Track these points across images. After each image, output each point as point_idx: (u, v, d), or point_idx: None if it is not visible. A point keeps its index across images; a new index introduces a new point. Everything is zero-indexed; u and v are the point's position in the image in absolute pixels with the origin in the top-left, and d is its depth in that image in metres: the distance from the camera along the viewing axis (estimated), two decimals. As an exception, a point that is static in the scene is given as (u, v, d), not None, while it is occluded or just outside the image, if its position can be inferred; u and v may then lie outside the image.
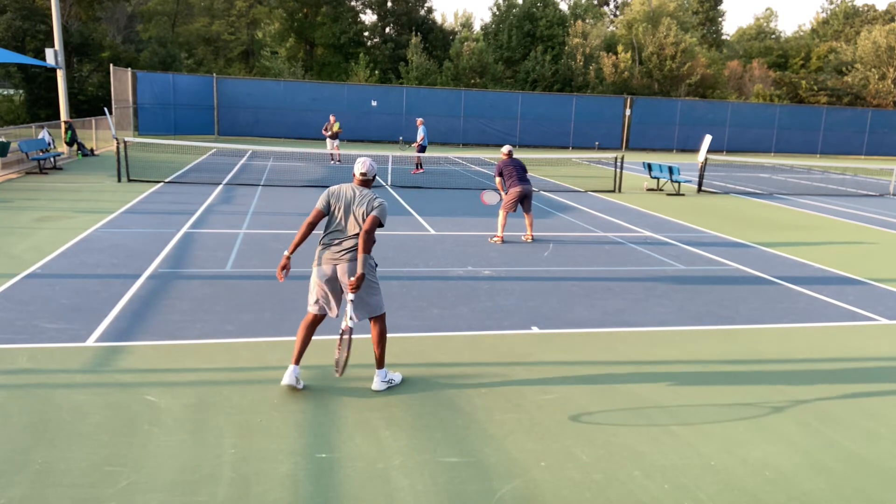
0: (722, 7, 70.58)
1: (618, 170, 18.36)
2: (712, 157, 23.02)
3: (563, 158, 27.61)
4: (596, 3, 57.90)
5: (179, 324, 6.37)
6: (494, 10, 49.31)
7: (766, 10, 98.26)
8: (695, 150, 27.85)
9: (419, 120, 21.77)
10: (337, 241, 5.00)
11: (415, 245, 10.35)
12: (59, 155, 19.30)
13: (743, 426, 4.79)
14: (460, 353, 5.99)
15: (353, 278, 4.85)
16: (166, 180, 16.46)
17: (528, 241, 10.89)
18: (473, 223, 12.44)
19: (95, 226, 10.71)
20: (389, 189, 16.69)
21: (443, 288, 8.00)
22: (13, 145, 17.01)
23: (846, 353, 6.42)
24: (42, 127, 19.79)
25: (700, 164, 19.22)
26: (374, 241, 5.00)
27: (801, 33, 67.50)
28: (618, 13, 62.32)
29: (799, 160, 32.51)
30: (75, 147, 21.75)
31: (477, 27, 54.64)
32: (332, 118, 22.57)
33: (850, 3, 63.83)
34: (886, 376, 5.86)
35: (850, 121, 39.69)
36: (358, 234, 4.93)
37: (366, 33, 50.74)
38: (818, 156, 38.39)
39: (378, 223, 4.97)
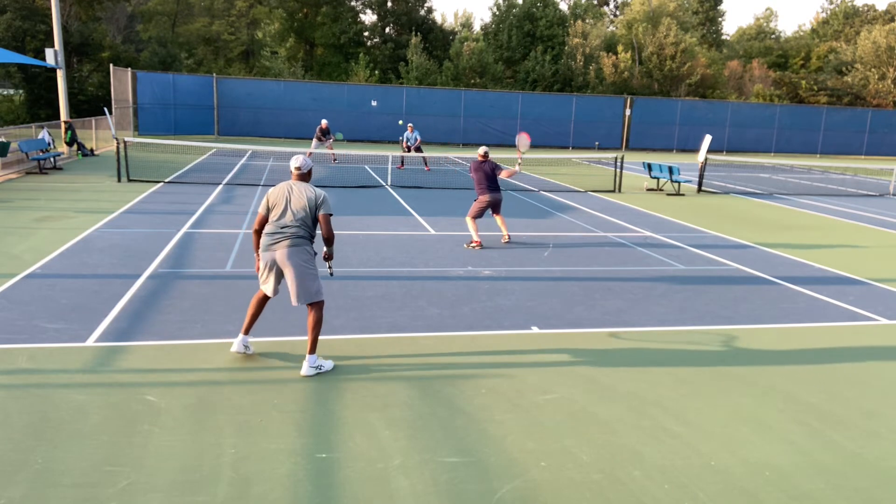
0: (722, 7, 70.61)
1: (618, 170, 18.36)
2: (712, 157, 23.03)
3: (563, 158, 27.61)
4: (596, 3, 57.91)
5: (179, 324, 6.37)
6: (494, 10, 49.34)
7: (766, 10, 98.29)
8: (695, 150, 27.85)
9: (410, 126, 22.40)
10: (277, 232, 5.39)
11: (415, 245, 10.35)
12: (59, 155, 19.30)
13: (743, 426, 4.79)
14: (460, 353, 5.99)
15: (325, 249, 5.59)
16: (166, 180, 16.46)
17: (507, 241, 10.76)
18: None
19: (95, 226, 10.71)
20: (389, 189, 16.69)
21: (443, 288, 8.00)
22: (13, 145, 17.01)
23: (846, 353, 6.43)
24: (42, 127, 19.78)
25: (700, 164, 19.22)
26: (332, 234, 5.54)
27: (801, 33, 67.50)
28: (618, 13, 62.34)
29: (799, 160, 32.51)
30: (75, 147, 21.75)
31: (477, 27, 54.69)
32: (323, 123, 22.50)
33: (850, 3, 63.83)
34: (886, 376, 5.86)
35: (850, 121, 39.69)
36: (296, 225, 5.37)
37: (366, 33, 50.74)
38: (818, 156, 38.39)
39: (329, 217, 5.50)
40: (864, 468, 4.29)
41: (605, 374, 5.65)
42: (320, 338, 5.83)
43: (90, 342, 5.81)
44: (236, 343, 5.69)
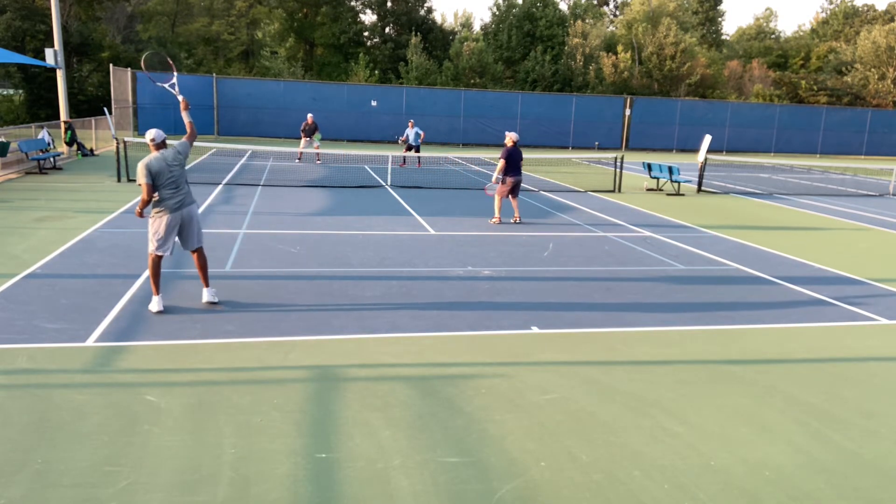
0: (722, 7, 70.63)
1: (618, 170, 18.36)
2: (712, 157, 23.03)
3: (563, 158, 27.61)
4: (596, 3, 57.92)
5: (179, 324, 6.37)
6: (494, 10, 49.37)
7: (766, 10, 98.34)
8: (694, 150, 27.86)
9: (411, 122, 22.62)
10: (175, 196, 6.49)
11: (415, 245, 10.35)
12: (58, 155, 19.30)
13: (743, 426, 4.79)
14: (460, 353, 5.99)
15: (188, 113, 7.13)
16: (166, 180, 16.43)
17: (517, 221, 12.33)
18: (473, 223, 12.43)
19: (95, 226, 10.70)
20: (389, 189, 16.70)
21: (443, 288, 8.00)
22: (13, 145, 17.00)
23: (846, 353, 6.43)
24: (42, 127, 19.78)
25: (700, 164, 19.22)
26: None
27: (801, 33, 67.53)
28: (618, 13, 62.35)
29: (799, 160, 32.52)
30: (75, 147, 21.74)
31: (477, 27, 54.70)
32: (309, 118, 22.19)
33: (849, 3, 63.85)
34: (886, 376, 5.86)
35: (849, 121, 39.69)
36: (187, 185, 6.64)
37: (366, 33, 50.75)
38: (818, 156, 38.40)
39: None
40: (863, 468, 4.29)
41: (605, 374, 5.64)
42: (321, 337, 5.85)
43: (90, 342, 5.81)
44: (155, 303, 6.65)
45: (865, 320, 7.46)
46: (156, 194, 6.42)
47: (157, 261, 6.64)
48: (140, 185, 6.37)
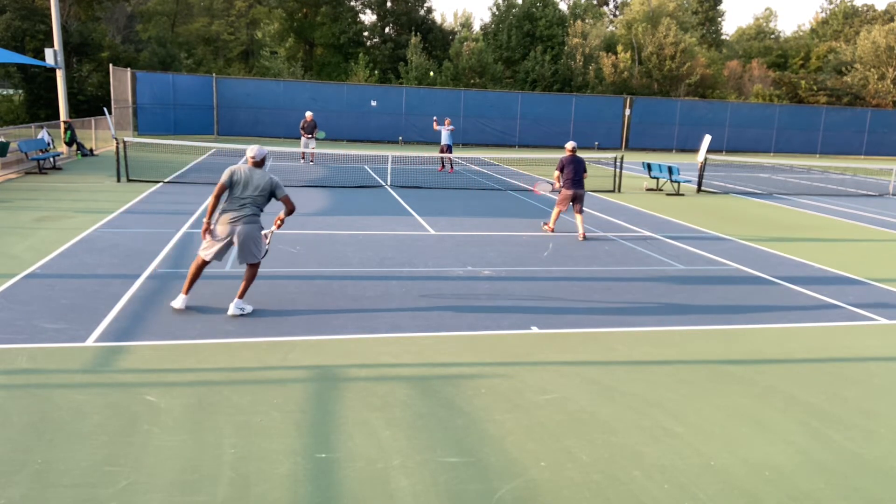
0: (722, 7, 70.64)
1: (617, 170, 18.36)
2: (712, 157, 23.03)
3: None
4: (595, 3, 57.91)
5: (179, 324, 6.37)
6: (494, 10, 49.33)
7: (766, 10, 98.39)
8: (694, 150, 27.86)
9: (448, 120, 21.22)
10: (236, 209, 6.47)
11: (415, 245, 10.34)
12: (58, 155, 19.28)
13: (743, 426, 4.79)
14: (460, 353, 5.99)
15: (277, 219, 6.79)
16: (166, 180, 16.45)
17: (581, 239, 11.17)
18: (473, 223, 12.44)
19: (95, 226, 10.70)
20: (389, 189, 16.69)
21: (443, 288, 8.00)
22: (13, 145, 16.98)
23: (846, 353, 6.43)
24: (41, 127, 19.75)
25: (699, 164, 19.22)
26: (294, 206, 6.72)
27: (801, 33, 67.54)
28: (617, 13, 62.35)
29: (798, 160, 32.52)
30: (75, 147, 21.73)
31: (476, 27, 54.67)
32: (308, 115, 21.68)
33: (849, 3, 63.84)
34: (886, 376, 5.86)
35: (849, 121, 39.68)
36: (252, 205, 6.51)
37: (365, 33, 50.73)
38: (818, 156, 38.39)
39: (289, 198, 6.66)
40: (863, 468, 4.29)
41: (605, 374, 5.64)
42: (320, 338, 5.89)
43: (90, 342, 5.81)
44: (179, 301, 6.71)
45: (865, 320, 7.46)
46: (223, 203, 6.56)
47: (199, 262, 6.70)
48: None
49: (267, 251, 6.92)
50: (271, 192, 6.58)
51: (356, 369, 5.49)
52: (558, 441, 4.46)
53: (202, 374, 5.29)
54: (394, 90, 35.71)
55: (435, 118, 22.63)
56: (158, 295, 7.24)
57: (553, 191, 11.56)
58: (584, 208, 11.48)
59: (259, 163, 6.65)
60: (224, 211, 6.52)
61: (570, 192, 11.20)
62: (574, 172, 11.16)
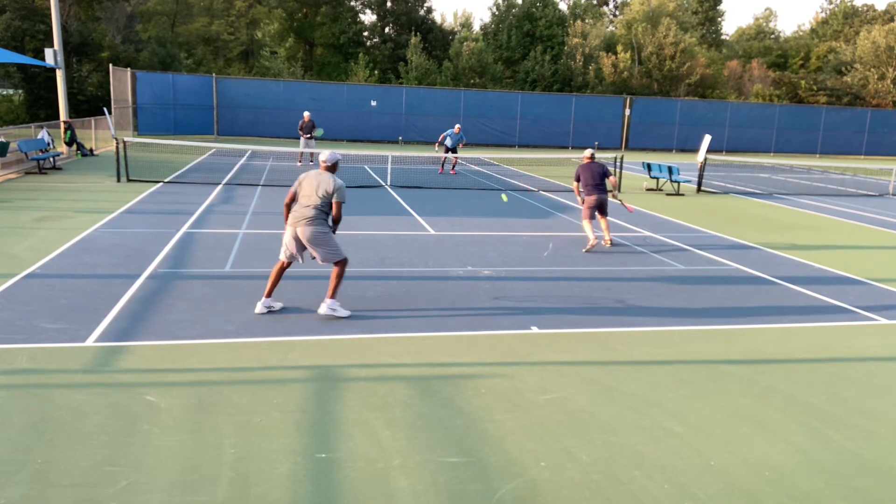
0: (721, 7, 70.64)
1: (617, 170, 18.36)
2: (712, 157, 23.03)
3: (562, 158, 27.59)
4: (595, 3, 57.91)
5: (179, 324, 6.37)
6: (494, 10, 49.34)
7: (766, 9, 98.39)
8: (694, 150, 27.86)
9: (458, 126, 20.81)
10: (300, 211, 6.56)
11: (415, 245, 10.34)
12: (58, 155, 19.29)
13: (743, 426, 4.79)
14: (460, 353, 5.99)
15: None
16: (166, 180, 16.45)
17: (608, 245, 10.74)
18: (473, 223, 12.44)
19: (95, 226, 10.70)
20: (389, 189, 16.69)
21: (443, 288, 8.00)
22: (13, 145, 16.99)
23: (846, 353, 6.43)
24: (41, 127, 19.75)
25: (699, 164, 19.22)
26: (340, 217, 6.66)
27: (801, 33, 67.55)
28: (617, 13, 62.34)
29: (798, 160, 32.52)
30: (75, 147, 21.73)
31: (476, 27, 54.67)
32: (306, 115, 21.23)
33: (849, 3, 63.85)
34: (886, 376, 5.86)
35: (849, 121, 39.68)
36: (315, 206, 6.52)
37: (365, 33, 50.73)
38: (818, 156, 38.39)
39: (341, 206, 6.59)
40: (863, 468, 4.29)
41: (605, 374, 5.65)
42: (319, 338, 5.88)
43: (90, 342, 5.81)
44: (259, 305, 6.78)
45: (865, 320, 7.46)
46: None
47: (279, 265, 6.80)
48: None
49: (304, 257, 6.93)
50: (327, 201, 6.60)
51: (356, 369, 5.49)
52: (558, 441, 4.46)
53: (202, 374, 5.29)
54: (394, 90, 35.71)
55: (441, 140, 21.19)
56: (158, 295, 7.24)
57: (583, 203, 10.66)
58: (605, 214, 10.77)
59: (330, 167, 6.69)
60: (292, 213, 6.65)
61: (592, 199, 10.54)
62: (591, 178, 10.59)
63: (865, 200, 19.02)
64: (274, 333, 6.22)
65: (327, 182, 6.55)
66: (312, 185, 6.55)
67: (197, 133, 31.56)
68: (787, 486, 4.03)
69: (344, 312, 6.72)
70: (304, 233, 6.51)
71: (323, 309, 6.69)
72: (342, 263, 6.69)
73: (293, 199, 6.69)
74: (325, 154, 6.77)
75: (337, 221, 6.66)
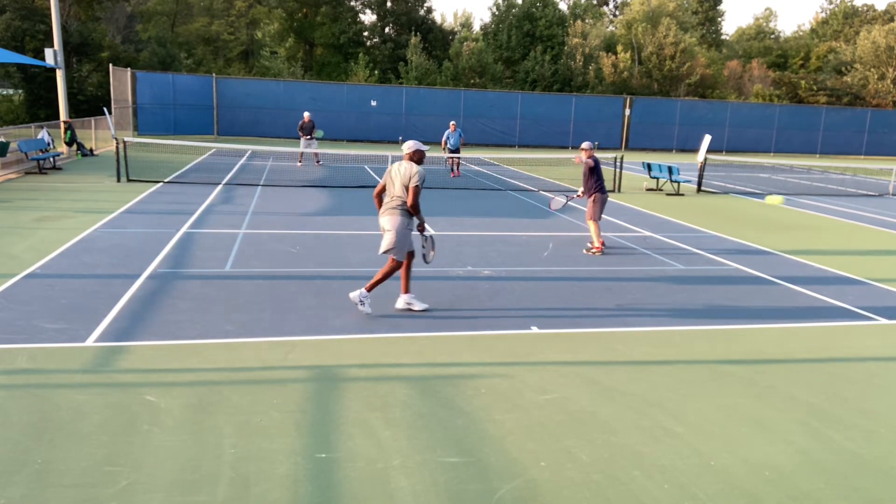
0: (721, 7, 70.65)
1: (617, 170, 18.36)
2: (712, 157, 23.03)
3: (562, 158, 27.59)
4: (595, 3, 57.91)
5: (179, 324, 6.37)
6: (494, 10, 49.34)
7: (766, 10, 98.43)
8: (694, 150, 27.85)
9: (453, 124, 20.47)
10: (387, 201, 6.80)
11: (414, 245, 10.31)
12: (58, 155, 19.29)
13: (743, 426, 4.79)
14: (460, 353, 5.99)
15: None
16: (166, 180, 16.45)
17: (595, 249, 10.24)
18: (473, 223, 12.44)
19: (95, 226, 10.70)
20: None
21: (443, 288, 8.00)
22: (13, 145, 16.99)
23: (846, 353, 6.43)
24: (41, 127, 19.76)
25: (699, 164, 19.22)
26: (418, 204, 6.71)
27: (801, 33, 67.56)
28: (617, 13, 62.35)
29: (798, 160, 32.52)
30: (75, 147, 21.73)
31: (476, 27, 54.67)
32: (306, 116, 21.14)
33: (849, 3, 63.85)
34: (886, 376, 5.86)
35: (849, 121, 39.69)
36: (399, 197, 6.69)
37: (365, 33, 50.74)
38: (817, 156, 38.40)
39: (417, 190, 6.65)
40: (863, 468, 4.29)
41: (605, 374, 5.64)
42: (318, 337, 5.90)
43: (90, 342, 5.81)
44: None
45: (865, 320, 7.46)
46: None
47: (404, 262, 6.93)
48: None
49: (424, 255, 7.14)
50: (405, 184, 6.68)
51: (356, 369, 5.49)
52: (558, 441, 4.46)
53: (202, 374, 5.29)
54: (394, 90, 35.71)
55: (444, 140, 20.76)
56: (158, 295, 7.24)
57: (568, 202, 10.04)
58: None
59: (411, 156, 6.80)
60: (382, 202, 6.88)
61: (606, 196, 10.18)
62: (603, 174, 10.23)
63: (865, 200, 19.02)
64: (274, 333, 6.22)
65: (406, 172, 6.66)
66: (396, 176, 6.72)
67: (197, 133, 31.56)
68: (787, 486, 4.03)
69: (420, 305, 7.01)
70: (383, 222, 6.72)
71: (399, 303, 7.01)
72: (394, 262, 6.77)
73: (383, 190, 6.88)
74: (406, 145, 6.88)
75: (413, 209, 6.68)
